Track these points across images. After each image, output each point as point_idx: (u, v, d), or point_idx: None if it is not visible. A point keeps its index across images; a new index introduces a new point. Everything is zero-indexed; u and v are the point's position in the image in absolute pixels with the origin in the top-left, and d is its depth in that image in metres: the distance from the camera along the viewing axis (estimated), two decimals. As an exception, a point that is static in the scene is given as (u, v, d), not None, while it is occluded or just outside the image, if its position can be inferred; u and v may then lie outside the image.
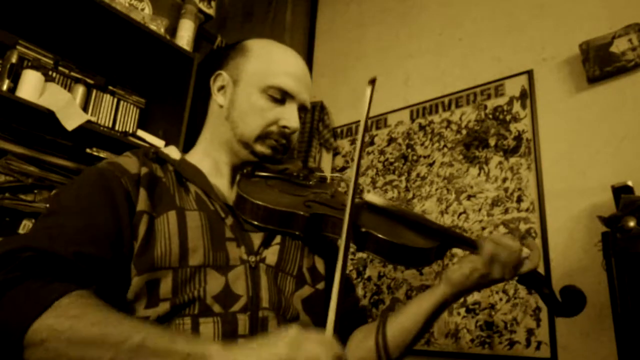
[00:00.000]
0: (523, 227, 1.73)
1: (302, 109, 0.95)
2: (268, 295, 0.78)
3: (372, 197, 0.90)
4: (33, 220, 1.48)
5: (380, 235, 0.80)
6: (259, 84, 0.91)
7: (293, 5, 2.68)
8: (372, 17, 2.54)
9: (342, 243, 0.72)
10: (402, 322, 0.88)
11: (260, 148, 0.91)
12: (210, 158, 0.95)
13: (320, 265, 0.92)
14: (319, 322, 0.84)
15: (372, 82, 0.87)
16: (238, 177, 0.92)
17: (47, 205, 0.83)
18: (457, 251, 1.76)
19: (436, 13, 2.26)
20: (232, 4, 2.62)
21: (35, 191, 1.50)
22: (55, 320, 0.58)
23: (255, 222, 0.83)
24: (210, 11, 2.12)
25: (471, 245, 0.86)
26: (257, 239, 0.84)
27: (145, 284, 0.74)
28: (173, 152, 0.94)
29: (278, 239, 0.86)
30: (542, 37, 1.88)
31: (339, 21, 2.69)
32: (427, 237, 0.85)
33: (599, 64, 1.66)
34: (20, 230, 1.45)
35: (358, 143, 0.85)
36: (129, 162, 0.84)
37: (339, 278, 0.67)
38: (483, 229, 1.82)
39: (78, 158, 1.60)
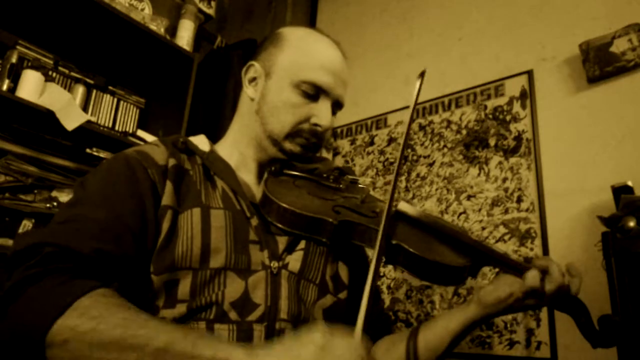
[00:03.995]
0: (523, 227, 1.73)
1: (336, 104, 0.91)
2: (287, 305, 0.76)
3: (405, 206, 0.85)
4: (33, 221, 1.48)
5: (411, 250, 0.75)
6: (292, 79, 0.87)
7: (293, 5, 2.68)
8: (371, 17, 2.53)
9: (375, 252, 0.68)
10: (428, 341, 0.85)
11: (289, 146, 0.88)
12: (238, 152, 0.92)
13: (343, 273, 0.89)
14: None
15: (422, 74, 0.83)
16: (265, 175, 0.88)
17: (73, 193, 0.81)
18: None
19: (436, 13, 2.26)
20: (232, 4, 2.62)
21: (35, 191, 1.50)
22: (78, 321, 0.57)
23: (280, 225, 0.80)
24: (210, 11, 2.13)
25: (517, 270, 0.79)
26: (281, 242, 0.81)
27: (164, 284, 0.73)
28: (202, 143, 0.91)
29: (302, 244, 0.83)
30: (542, 37, 1.88)
31: (338, 21, 2.69)
32: (461, 253, 0.80)
33: (599, 64, 1.66)
34: (20, 231, 1.45)
35: (401, 148, 0.79)
36: (157, 152, 0.82)
37: (370, 283, 0.64)
38: (483, 228, 1.82)
39: (78, 158, 1.60)
